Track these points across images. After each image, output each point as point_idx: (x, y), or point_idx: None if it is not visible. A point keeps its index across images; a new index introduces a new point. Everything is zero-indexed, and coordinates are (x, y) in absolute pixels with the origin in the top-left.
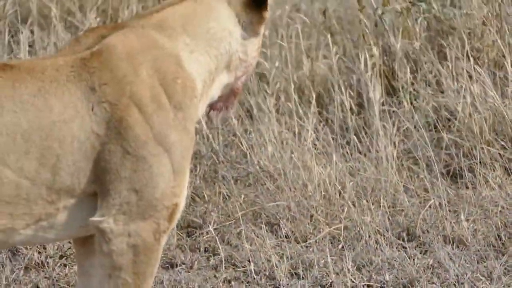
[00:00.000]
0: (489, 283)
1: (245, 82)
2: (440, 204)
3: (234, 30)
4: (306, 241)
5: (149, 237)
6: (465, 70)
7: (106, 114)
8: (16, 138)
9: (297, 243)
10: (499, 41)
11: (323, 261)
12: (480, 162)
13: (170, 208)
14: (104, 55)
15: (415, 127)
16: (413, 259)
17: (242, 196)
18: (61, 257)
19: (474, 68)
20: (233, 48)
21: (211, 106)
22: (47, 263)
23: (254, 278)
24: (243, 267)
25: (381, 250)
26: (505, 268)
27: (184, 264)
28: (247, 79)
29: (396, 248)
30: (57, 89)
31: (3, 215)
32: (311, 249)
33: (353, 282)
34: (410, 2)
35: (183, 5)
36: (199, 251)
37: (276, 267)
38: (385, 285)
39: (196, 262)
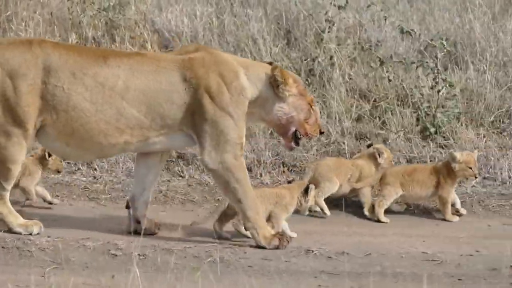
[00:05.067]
0: None
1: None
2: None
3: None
4: None
5: (232, 160)
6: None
7: (192, 93)
8: (140, 93)
9: None
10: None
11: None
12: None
13: (240, 144)
14: (195, 61)
15: None
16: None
17: None
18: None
19: None
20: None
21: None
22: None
23: None
24: None
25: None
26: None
27: None
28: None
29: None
30: (166, 72)
31: (127, 134)
32: None
33: None
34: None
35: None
36: None
37: None
38: None
39: None
